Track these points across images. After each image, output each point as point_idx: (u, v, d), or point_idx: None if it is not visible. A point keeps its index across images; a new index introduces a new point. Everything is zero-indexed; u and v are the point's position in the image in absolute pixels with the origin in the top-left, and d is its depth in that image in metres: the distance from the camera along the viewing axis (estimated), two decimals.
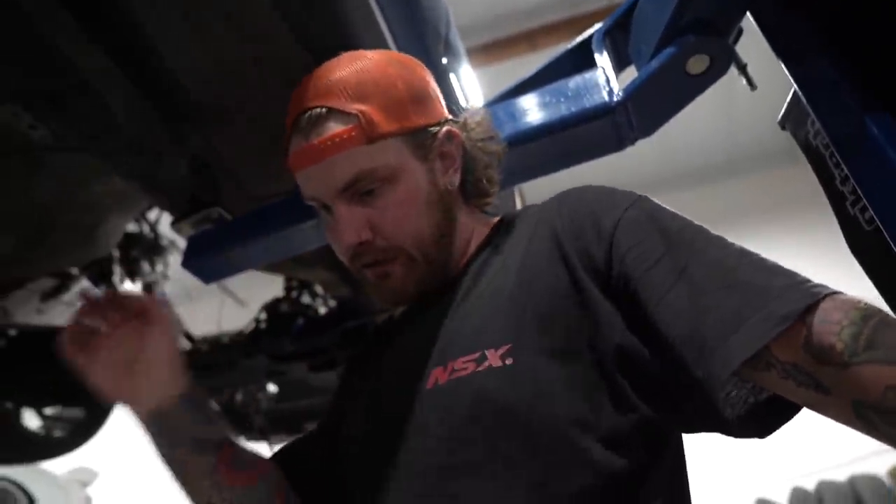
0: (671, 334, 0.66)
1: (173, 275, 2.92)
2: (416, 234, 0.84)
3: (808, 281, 0.64)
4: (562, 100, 1.21)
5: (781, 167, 5.11)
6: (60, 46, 1.18)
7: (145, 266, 2.75)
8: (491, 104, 1.28)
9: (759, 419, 0.69)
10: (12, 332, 2.34)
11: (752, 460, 5.42)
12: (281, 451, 1.05)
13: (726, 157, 6.04)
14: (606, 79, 1.22)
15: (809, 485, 4.47)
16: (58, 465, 4.99)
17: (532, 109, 1.21)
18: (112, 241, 2.17)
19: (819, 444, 4.93)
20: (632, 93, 1.16)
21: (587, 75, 1.25)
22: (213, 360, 2.30)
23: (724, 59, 1.14)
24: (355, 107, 0.79)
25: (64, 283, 2.21)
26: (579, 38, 1.34)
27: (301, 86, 0.85)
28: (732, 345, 0.61)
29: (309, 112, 0.81)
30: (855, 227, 0.96)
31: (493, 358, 0.72)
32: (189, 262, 1.47)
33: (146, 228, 2.77)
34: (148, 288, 2.74)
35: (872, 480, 4.34)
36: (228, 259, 1.45)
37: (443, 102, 0.92)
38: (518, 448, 0.69)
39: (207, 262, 1.46)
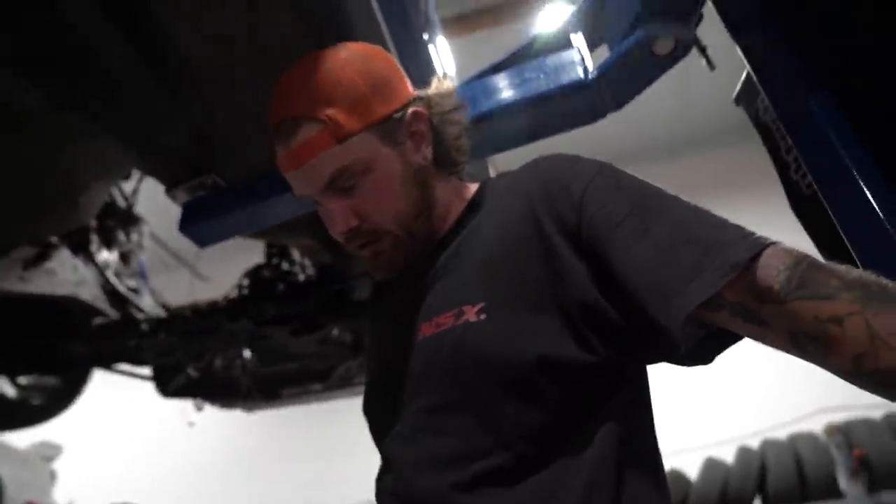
0: (636, 284, 0.78)
1: (148, 245, 2.96)
2: (397, 214, 0.93)
3: (753, 234, 0.77)
4: (540, 76, 1.32)
5: (737, 143, 5.35)
6: (62, 9, 1.22)
7: (121, 236, 2.79)
8: (473, 80, 1.39)
9: (705, 350, 0.83)
10: None
11: (701, 422, 5.73)
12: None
13: (685, 133, 6.27)
14: (581, 57, 1.34)
15: (754, 443, 4.74)
16: (20, 440, 4.97)
17: (513, 85, 1.32)
18: (92, 211, 2.20)
19: (761, 406, 5.26)
20: (605, 70, 1.29)
21: (563, 54, 1.36)
22: (197, 325, 2.37)
23: (687, 41, 1.27)
24: (323, 112, 0.87)
25: (45, 251, 2.24)
26: (557, 21, 1.45)
27: (274, 93, 0.93)
28: (691, 291, 0.74)
29: (283, 121, 0.89)
30: (797, 191, 1.11)
31: (470, 313, 0.83)
32: (185, 227, 1.54)
33: (120, 199, 2.80)
34: (124, 257, 2.78)
35: (811, 438, 4.63)
36: (224, 224, 1.52)
37: (407, 82, 0.99)
38: (491, 388, 0.81)
39: (203, 227, 1.53)
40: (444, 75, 1.03)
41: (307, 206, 1.48)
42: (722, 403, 5.53)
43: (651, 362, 0.89)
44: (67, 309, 2.45)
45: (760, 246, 0.74)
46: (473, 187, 1.05)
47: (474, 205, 0.99)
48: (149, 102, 1.44)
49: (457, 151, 1.01)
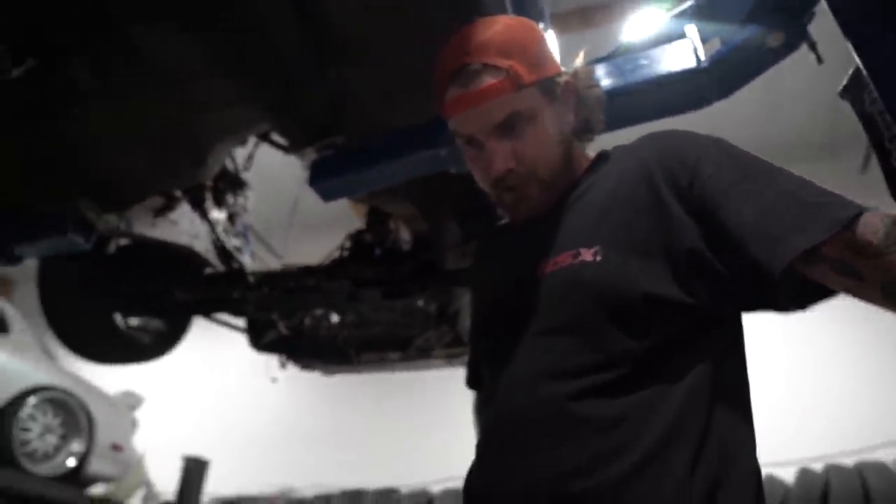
0: (745, 235, 0.88)
1: (251, 207, 3.20)
2: (548, 162, 1.08)
3: (854, 202, 0.87)
4: (656, 63, 1.44)
5: (815, 160, 5.24)
6: None
7: (229, 197, 3.04)
8: (598, 62, 1.51)
9: (800, 298, 0.92)
10: (124, 242, 2.63)
11: (761, 440, 5.62)
12: (473, 378, 1.30)
13: (766, 145, 6.18)
14: (694, 47, 1.44)
15: (817, 467, 4.64)
16: (108, 386, 5.38)
17: (632, 69, 1.44)
18: (214, 170, 2.43)
19: (826, 431, 5.12)
20: (718, 59, 1.39)
21: (677, 43, 1.47)
22: (299, 282, 2.57)
23: (798, 36, 1.35)
24: (505, 62, 1.02)
25: (170, 203, 2.49)
26: (672, 12, 1.56)
27: (451, 45, 1.09)
28: (796, 239, 0.85)
29: (466, 67, 1.03)
30: None
31: (586, 254, 0.96)
32: (314, 182, 1.72)
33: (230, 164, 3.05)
34: (231, 217, 3.03)
35: (880, 467, 4.50)
36: (348, 181, 1.69)
37: (556, 58, 1.15)
38: (601, 317, 0.93)
39: (330, 183, 1.71)
40: (583, 57, 1.17)
41: (424, 169, 1.65)
42: (786, 424, 5.42)
43: (747, 309, 0.99)
44: (182, 257, 2.70)
45: (861, 208, 0.84)
46: (592, 154, 1.18)
47: (595, 166, 1.13)
48: (297, 70, 1.63)
49: (592, 122, 1.15)
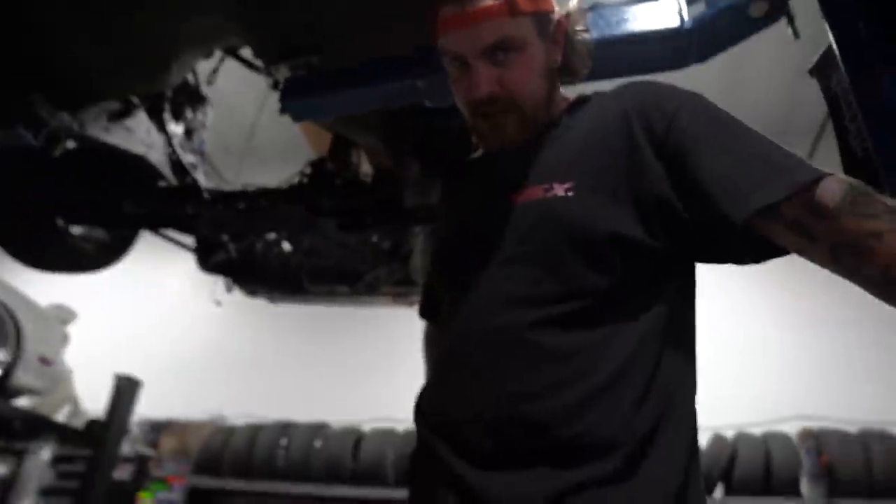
0: (711, 186, 0.93)
1: (211, 125, 3.11)
2: (531, 94, 1.10)
3: (816, 167, 0.92)
4: (639, 18, 1.46)
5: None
6: None
7: (188, 111, 2.94)
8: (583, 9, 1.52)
9: (755, 252, 0.97)
10: (72, 145, 2.51)
11: None
12: (427, 307, 1.35)
13: None
14: (679, 7, 1.47)
15: (728, 434, 4.94)
16: (39, 298, 5.20)
17: (615, 22, 1.46)
18: (177, 79, 2.33)
19: (742, 404, 5.46)
20: (700, 23, 1.42)
21: (664, 2, 1.49)
22: (256, 203, 2.53)
23: (780, 8, 1.40)
24: None
25: (127, 108, 2.38)
26: None
27: None
28: (759, 194, 0.90)
29: None
30: (851, 156, 1.26)
31: (558, 189, 1.01)
32: (285, 101, 1.68)
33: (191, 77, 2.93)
34: (188, 132, 2.93)
35: (784, 438, 4.83)
36: (321, 103, 1.67)
37: None
38: (567, 250, 0.97)
39: (303, 103, 1.68)
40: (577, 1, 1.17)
41: (400, 99, 1.64)
42: (705, 394, 5.73)
43: (705, 259, 1.05)
44: (134, 167, 2.61)
45: (821, 173, 0.90)
46: (572, 96, 1.21)
47: (573, 108, 1.15)
48: None
49: (579, 66, 1.17)
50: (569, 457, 0.88)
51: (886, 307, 0.85)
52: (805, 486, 4.63)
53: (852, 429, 4.79)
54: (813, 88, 1.39)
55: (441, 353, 1.12)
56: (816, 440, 4.72)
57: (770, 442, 4.80)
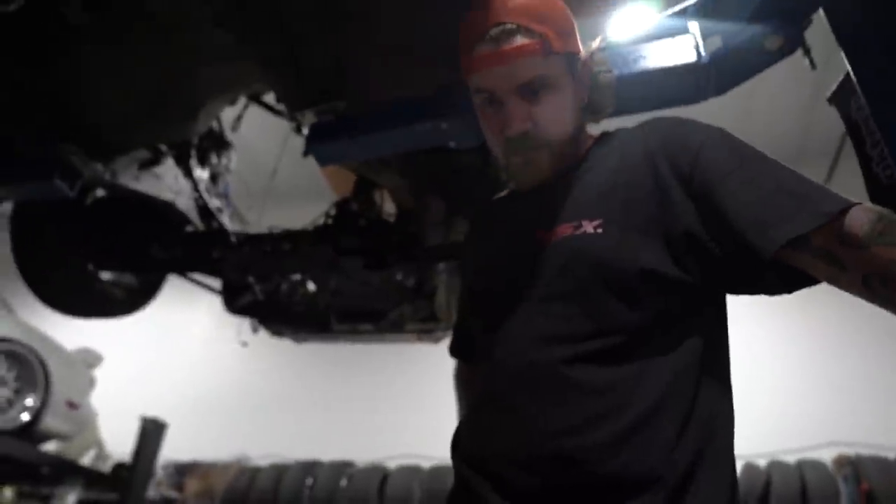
0: (740, 219, 0.94)
1: (235, 169, 3.18)
2: (562, 132, 1.12)
3: (844, 197, 0.94)
4: (659, 55, 1.49)
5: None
6: None
7: (213, 157, 3.01)
8: (604, 49, 1.55)
9: (785, 283, 0.98)
10: (102, 194, 2.59)
11: None
12: (458, 347, 1.37)
13: None
14: (696, 43, 1.50)
15: (761, 463, 4.85)
16: (67, 343, 5.28)
17: (636, 59, 1.49)
18: (205, 125, 2.41)
19: (771, 429, 5.35)
20: (717, 57, 1.45)
21: (679, 38, 1.52)
22: (282, 245, 2.57)
23: (795, 41, 1.42)
24: (539, 27, 1.07)
25: (156, 156, 2.46)
26: (675, 8, 1.61)
27: (487, 4, 1.12)
28: (787, 226, 0.91)
29: (502, 26, 1.08)
30: (876, 183, 1.27)
31: (588, 226, 1.02)
32: (311, 145, 1.73)
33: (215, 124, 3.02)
34: (214, 177, 3.00)
35: (819, 466, 4.72)
36: (346, 146, 1.71)
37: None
38: (599, 287, 0.98)
39: (327, 147, 1.72)
40: (600, 40, 1.21)
41: (424, 141, 1.67)
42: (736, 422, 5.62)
43: (736, 291, 1.05)
44: (162, 213, 2.68)
45: (849, 202, 0.91)
46: (597, 132, 1.23)
47: (599, 144, 1.18)
48: (299, 27, 1.63)
49: (603, 104, 1.20)
50: (608, 493, 0.88)
51: None
52: None
53: (890, 454, 4.68)
54: (826, 112, 1.41)
55: (476, 390, 1.13)
56: (854, 467, 4.62)
57: (805, 469, 4.69)
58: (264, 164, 5.48)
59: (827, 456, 4.88)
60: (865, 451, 4.74)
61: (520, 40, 1.06)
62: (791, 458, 4.95)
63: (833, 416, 5.26)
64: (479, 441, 1.05)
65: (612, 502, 0.87)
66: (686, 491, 0.88)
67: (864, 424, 5.08)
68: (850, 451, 4.78)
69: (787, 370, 5.57)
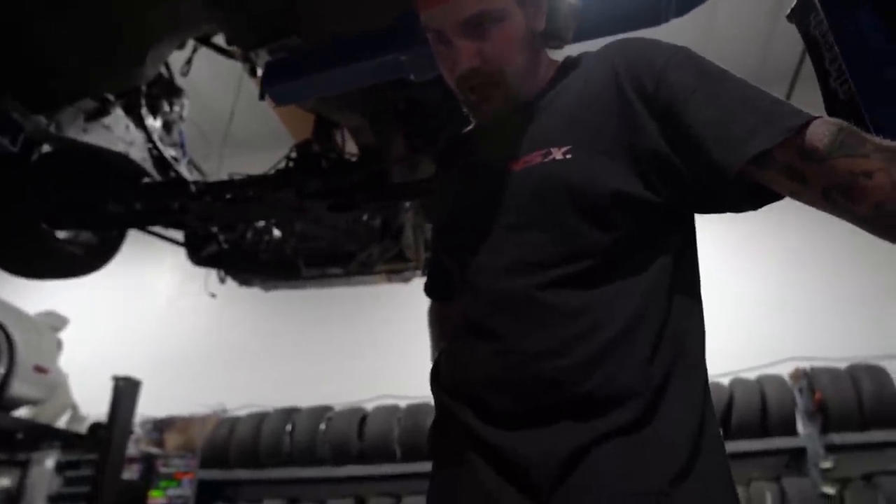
0: (705, 136, 0.95)
1: (189, 117, 3.07)
2: (514, 64, 1.10)
3: (804, 111, 0.94)
4: None
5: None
6: None
7: (165, 105, 2.90)
8: None
9: (751, 199, 1.00)
10: (50, 148, 2.47)
11: None
12: (432, 286, 1.37)
13: None
14: None
15: (725, 382, 5.06)
16: (29, 308, 5.16)
17: None
18: (154, 71, 2.30)
19: (736, 350, 5.58)
20: None
21: None
22: (244, 192, 2.51)
23: None
24: None
25: (104, 106, 2.35)
26: None
27: None
28: (750, 142, 0.92)
29: None
30: (833, 98, 1.28)
31: (556, 153, 1.02)
32: (267, 84, 1.67)
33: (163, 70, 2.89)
34: (167, 126, 2.89)
35: (777, 380, 4.96)
36: (303, 84, 1.66)
37: None
38: (570, 212, 0.99)
39: (285, 86, 1.67)
40: None
41: (384, 75, 1.63)
42: None
43: (702, 209, 1.07)
44: (116, 166, 2.58)
45: (810, 116, 0.92)
46: (560, 58, 1.21)
47: (563, 71, 1.16)
48: None
49: (563, 29, 1.17)
50: (588, 410, 0.90)
51: (871, 245, 0.87)
52: (800, 425, 4.78)
53: (843, 365, 4.93)
54: (786, 31, 1.40)
55: (454, 322, 1.14)
56: (809, 379, 4.86)
57: (765, 384, 4.92)
58: (219, 110, 5.30)
59: (785, 371, 5.12)
60: (819, 364, 4.98)
61: None
62: (753, 375, 5.18)
63: (791, 334, 5.50)
64: (458, 369, 1.07)
65: (593, 418, 0.90)
66: (661, 402, 0.92)
67: (819, 339, 5.33)
68: (806, 365, 5.01)
69: (748, 292, 5.77)
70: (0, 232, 2.70)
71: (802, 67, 3.15)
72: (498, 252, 1.05)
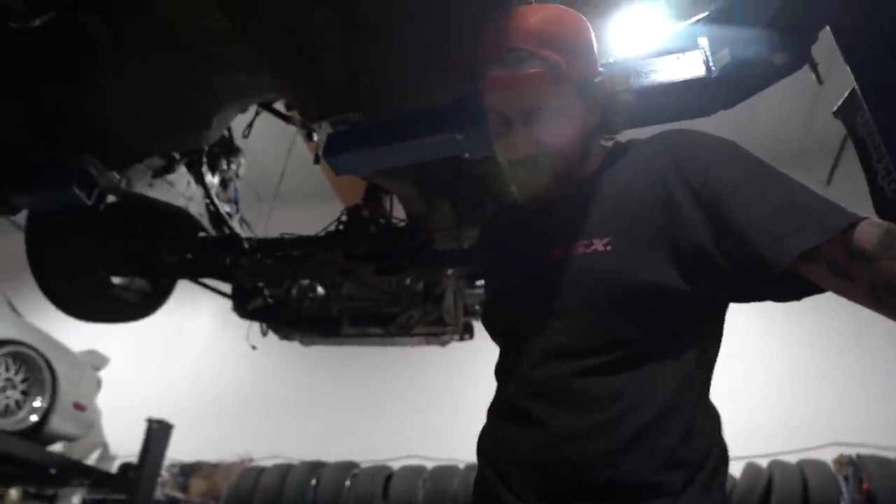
0: (753, 232, 0.98)
1: (244, 175, 3.22)
2: (567, 155, 1.16)
3: (852, 212, 0.97)
4: (669, 69, 1.53)
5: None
6: None
7: (223, 163, 3.05)
8: (618, 64, 1.59)
9: (794, 291, 1.01)
10: (113, 199, 2.62)
11: None
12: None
13: None
14: (706, 57, 1.54)
15: (763, 462, 4.89)
16: (72, 345, 5.31)
17: (648, 73, 1.52)
18: (219, 133, 2.44)
19: (774, 430, 5.40)
20: (727, 71, 1.48)
21: (690, 53, 1.56)
22: (294, 251, 2.61)
23: (802, 56, 1.46)
24: (552, 56, 1.10)
25: (170, 164, 2.49)
26: (685, 23, 1.65)
27: (504, 24, 1.16)
28: (799, 238, 0.95)
29: (516, 51, 1.11)
30: (881, 196, 1.31)
31: (598, 244, 1.06)
32: (328, 155, 1.76)
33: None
34: (224, 183, 3.04)
35: (820, 465, 4.77)
36: (362, 157, 1.74)
37: (597, 54, 1.23)
38: (607, 303, 1.03)
39: (344, 157, 1.75)
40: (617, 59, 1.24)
41: (440, 152, 1.71)
42: (735, 422, 5.67)
43: (744, 300, 1.09)
44: (173, 219, 2.71)
45: (857, 217, 0.95)
46: (608, 146, 1.27)
47: (611, 157, 1.21)
48: (321, 41, 1.66)
49: (617, 123, 1.23)
50: (611, 496, 0.93)
51: None
52: None
53: (890, 454, 4.72)
54: (825, 118, 1.44)
55: (495, 396, 1.18)
56: (855, 467, 4.66)
57: (806, 469, 4.74)
58: (268, 167, 5.50)
59: (828, 456, 4.93)
60: (866, 452, 4.78)
61: (529, 66, 1.10)
62: (792, 459, 4.99)
63: (834, 417, 5.31)
64: (495, 446, 1.10)
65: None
66: (687, 492, 0.93)
67: (865, 425, 5.13)
68: (852, 452, 4.82)
69: (788, 371, 5.62)
70: (62, 275, 2.83)
71: (842, 153, 3.16)
72: (537, 337, 1.09)
